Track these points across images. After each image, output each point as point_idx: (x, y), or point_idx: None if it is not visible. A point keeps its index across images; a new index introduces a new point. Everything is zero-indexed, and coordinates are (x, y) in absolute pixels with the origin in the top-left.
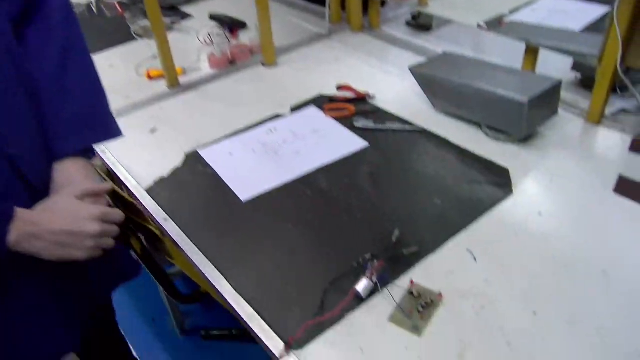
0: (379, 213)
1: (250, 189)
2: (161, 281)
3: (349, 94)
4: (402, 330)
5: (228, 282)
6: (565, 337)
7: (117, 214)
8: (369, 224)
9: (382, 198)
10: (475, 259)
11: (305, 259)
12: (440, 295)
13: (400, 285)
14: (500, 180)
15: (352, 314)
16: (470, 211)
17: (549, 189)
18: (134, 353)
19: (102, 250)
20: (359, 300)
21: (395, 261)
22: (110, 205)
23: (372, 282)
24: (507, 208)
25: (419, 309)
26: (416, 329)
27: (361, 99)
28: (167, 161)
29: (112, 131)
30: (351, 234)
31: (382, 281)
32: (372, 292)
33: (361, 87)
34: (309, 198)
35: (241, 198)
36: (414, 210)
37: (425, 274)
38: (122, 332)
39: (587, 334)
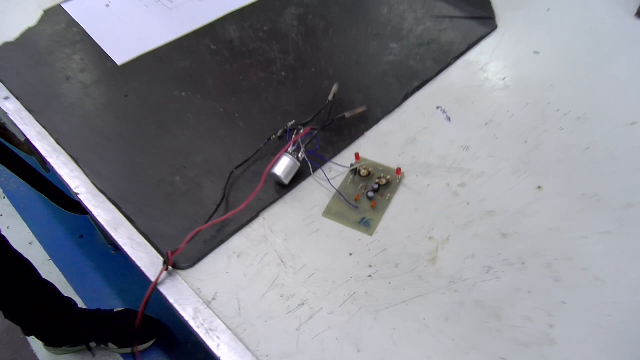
0: (310, 69)
1: (131, 48)
2: (33, 182)
3: None
4: (344, 227)
5: (88, 178)
6: (581, 214)
7: None
8: (295, 84)
9: (315, 48)
10: (449, 118)
11: (203, 138)
12: (399, 170)
13: (341, 164)
14: (478, 12)
15: (270, 210)
16: (438, 55)
17: (546, 20)
18: (64, 278)
19: None
20: (280, 187)
21: (334, 130)
22: None
23: (297, 160)
24: (489, 48)
25: (368, 194)
26: (366, 225)
27: None
28: (17, 20)
29: None
30: (270, 100)
31: (312, 158)
32: (298, 175)
33: None
34: (212, 55)
35: (117, 61)
36: (360, 60)
37: (377, 144)
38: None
39: (608, 208)
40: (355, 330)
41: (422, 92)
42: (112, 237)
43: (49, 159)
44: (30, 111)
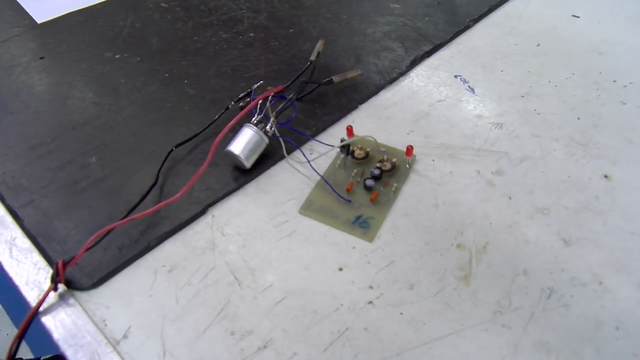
0: (287, 29)
1: (57, 4)
2: None
3: None
4: (331, 229)
5: None
6: None
7: None
8: (266, 46)
9: (293, 6)
10: (472, 89)
11: (136, 109)
12: (410, 150)
13: (326, 142)
14: None
15: (223, 204)
16: (452, 17)
17: None
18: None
19: None
20: (239, 173)
21: (317, 101)
22: None
23: (264, 134)
24: (515, 10)
25: (366, 182)
26: (363, 226)
27: None
28: None
29: None
30: (233, 63)
31: (286, 132)
32: (264, 156)
33: None
34: (162, 13)
35: (36, 19)
36: (352, 20)
37: (376, 120)
38: None
39: None
40: None
41: (434, 58)
42: None
43: None
44: None
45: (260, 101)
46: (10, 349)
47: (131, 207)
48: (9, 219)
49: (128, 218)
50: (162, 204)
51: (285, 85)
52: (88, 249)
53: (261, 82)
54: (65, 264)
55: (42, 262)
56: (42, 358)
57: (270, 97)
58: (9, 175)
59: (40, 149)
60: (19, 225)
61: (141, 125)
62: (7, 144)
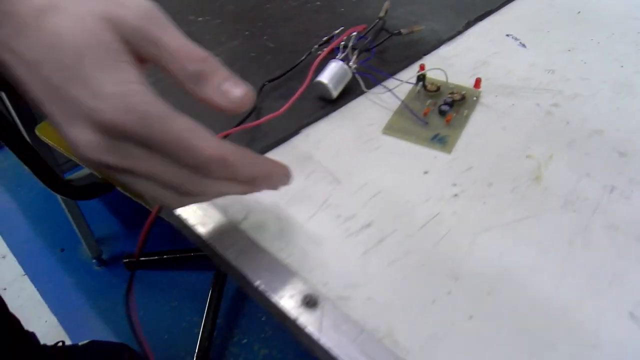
0: None
1: None
2: (26, 160)
3: None
4: (413, 145)
5: None
6: None
7: None
8: (333, 11)
9: None
10: (523, 45)
11: (225, 58)
12: (478, 82)
13: (400, 79)
14: None
15: (313, 127)
16: None
17: None
18: (39, 294)
19: None
20: (324, 103)
21: (387, 50)
22: None
23: (349, 67)
24: None
25: (441, 107)
26: (441, 142)
27: None
28: None
29: None
30: (305, 25)
31: (365, 70)
32: (346, 91)
33: None
34: None
35: None
36: None
37: (440, 67)
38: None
39: None
40: (446, 255)
41: (485, 22)
42: None
43: None
44: None
45: (342, 42)
46: (142, 239)
47: (239, 121)
48: None
49: (241, 126)
50: (268, 117)
51: (366, 26)
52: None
53: (342, 27)
54: None
55: None
56: (79, 344)
57: (353, 35)
58: None
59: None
60: None
61: (230, 69)
62: None
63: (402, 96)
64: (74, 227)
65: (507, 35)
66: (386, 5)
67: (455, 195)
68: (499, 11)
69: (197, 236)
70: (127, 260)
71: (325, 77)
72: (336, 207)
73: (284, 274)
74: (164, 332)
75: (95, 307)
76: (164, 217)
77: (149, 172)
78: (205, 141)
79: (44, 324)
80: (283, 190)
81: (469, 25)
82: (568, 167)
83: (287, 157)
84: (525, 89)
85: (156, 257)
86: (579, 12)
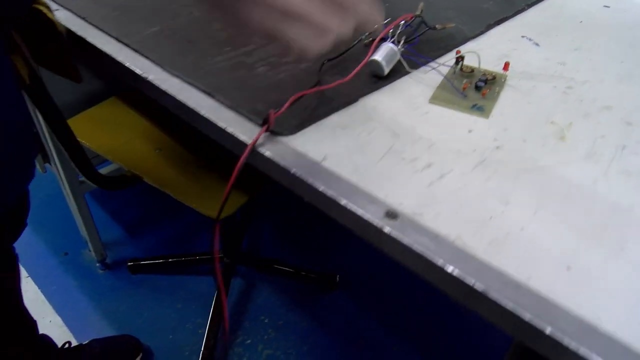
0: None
1: None
2: (69, 148)
3: None
4: (456, 112)
5: (164, 69)
6: None
7: None
8: None
9: None
10: (537, 44)
11: None
12: (507, 65)
13: (440, 62)
14: None
15: (368, 97)
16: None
17: None
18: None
19: None
20: (376, 79)
21: (423, 43)
22: None
23: (397, 49)
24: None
25: (477, 83)
26: (479, 110)
27: None
28: None
29: None
30: None
31: (409, 53)
32: (393, 71)
33: None
34: None
35: None
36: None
37: (469, 56)
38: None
39: None
40: (496, 187)
41: (501, 27)
42: (197, 112)
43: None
44: None
45: (391, 29)
46: (234, 175)
47: (312, 85)
48: (207, 99)
49: (314, 88)
50: (336, 82)
51: (413, 14)
52: (290, 105)
53: (389, 18)
54: (275, 113)
55: (246, 123)
56: (83, 343)
57: (401, 23)
58: (197, 74)
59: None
60: (218, 101)
61: None
62: (185, 57)
63: (440, 79)
64: (83, 229)
65: (522, 36)
66: (421, 5)
67: (497, 147)
68: (513, 18)
69: (287, 173)
70: (132, 263)
71: (378, 56)
72: (400, 152)
73: (364, 195)
74: (170, 332)
75: (99, 308)
76: (253, 162)
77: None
78: None
79: (48, 324)
80: (351, 140)
81: (489, 27)
82: (585, 131)
83: (350, 117)
84: (543, 75)
85: (161, 261)
86: (581, 21)
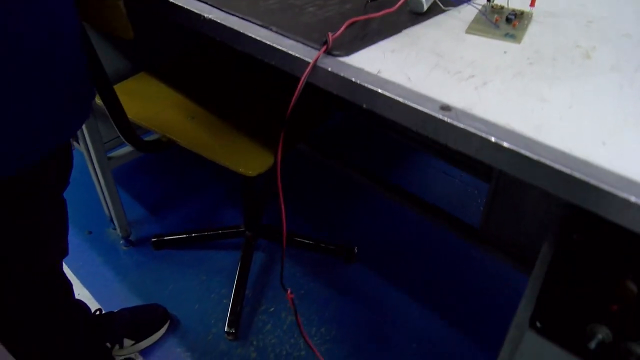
0: None
1: None
2: (113, 108)
3: None
4: (491, 40)
5: (222, 10)
6: None
7: None
8: None
9: None
10: None
11: None
12: (533, 1)
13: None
14: None
15: (410, 29)
16: None
17: None
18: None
19: None
20: (414, 16)
21: None
22: None
23: None
24: None
25: (508, 16)
26: (512, 37)
27: None
28: None
29: None
30: None
31: None
32: (430, 10)
33: None
34: None
35: None
36: None
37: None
38: None
39: None
40: (535, 90)
41: None
42: (260, 41)
43: None
44: None
45: None
46: (295, 98)
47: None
48: (263, 30)
49: (366, 16)
50: (383, 11)
51: None
52: (345, 28)
53: None
54: (333, 35)
55: (304, 48)
56: (113, 312)
57: None
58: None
59: None
60: (274, 32)
61: None
62: None
63: (474, 15)
64: (110, 206)
65: None
66: None
67: (531, 63)
68: None
69: (349, 82)
70: (155, 239)
71: None
72: (444, 67)
73: (419, 96)
74: (195, 302)
75: (125, 281)
76: (314, 80)
77: None
78: None
79: (77, 297)
80: (401, 59)
81: None
82: (609, 52)
83: (397, 43)
84: (566, 13)
85: (184, 236)
86: None
